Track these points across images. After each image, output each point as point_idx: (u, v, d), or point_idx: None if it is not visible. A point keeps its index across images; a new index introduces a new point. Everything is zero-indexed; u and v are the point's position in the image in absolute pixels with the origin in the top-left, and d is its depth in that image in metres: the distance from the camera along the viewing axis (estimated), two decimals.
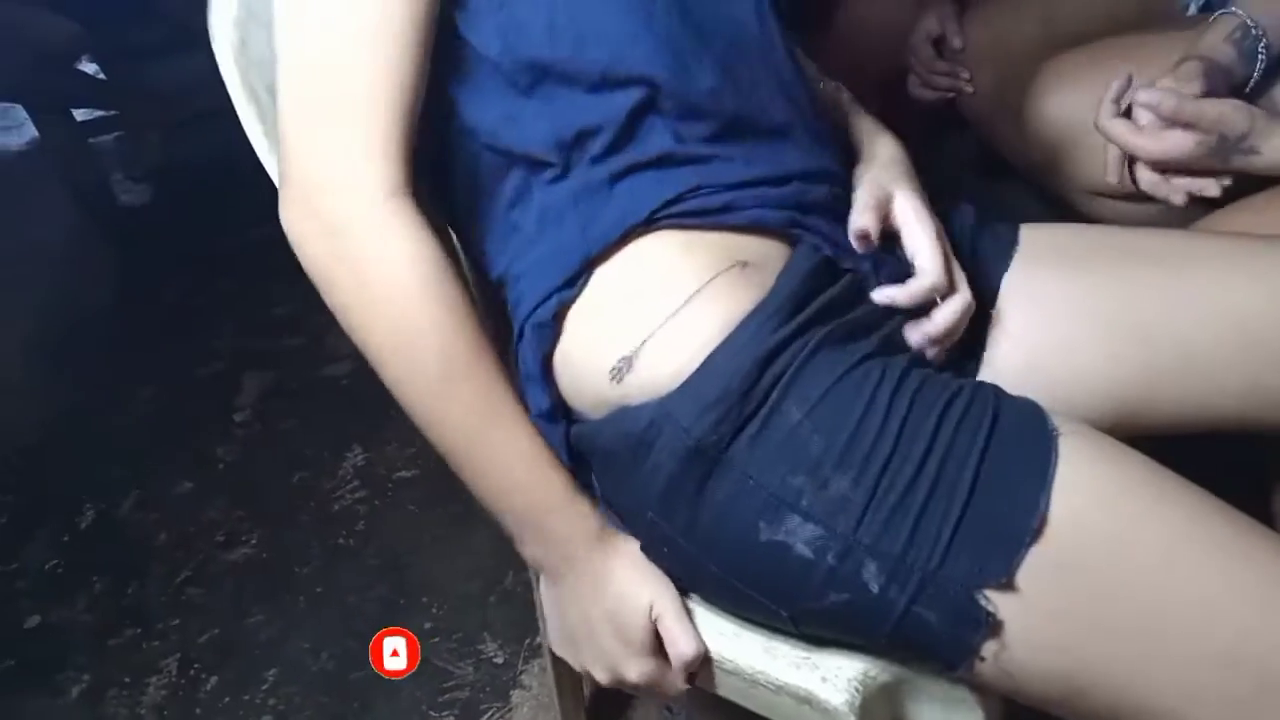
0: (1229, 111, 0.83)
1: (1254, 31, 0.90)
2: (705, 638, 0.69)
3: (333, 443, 1.65)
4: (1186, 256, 0.74)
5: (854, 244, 0.72)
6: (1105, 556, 0.58)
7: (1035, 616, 0.59)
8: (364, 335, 0.65)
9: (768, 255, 0.70)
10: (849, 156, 0.80)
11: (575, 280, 0.69)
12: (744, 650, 0.68)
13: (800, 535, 0.62)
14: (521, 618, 1.32)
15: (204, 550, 1.51)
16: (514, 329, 0.72)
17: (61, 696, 1.33)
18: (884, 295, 0.71)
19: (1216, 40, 0.90)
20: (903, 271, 0.73)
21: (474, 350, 0.65)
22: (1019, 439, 0.62)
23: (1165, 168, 0.87)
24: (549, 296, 0.69)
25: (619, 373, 0.66)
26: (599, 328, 0.68)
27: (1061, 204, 1.19)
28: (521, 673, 1.27)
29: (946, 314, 0.72)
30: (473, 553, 1.42)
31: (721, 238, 0.69)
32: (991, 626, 0.59)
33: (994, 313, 0.78)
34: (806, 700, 0.65)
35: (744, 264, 0.68)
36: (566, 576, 0.70)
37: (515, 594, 1.35)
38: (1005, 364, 0.77)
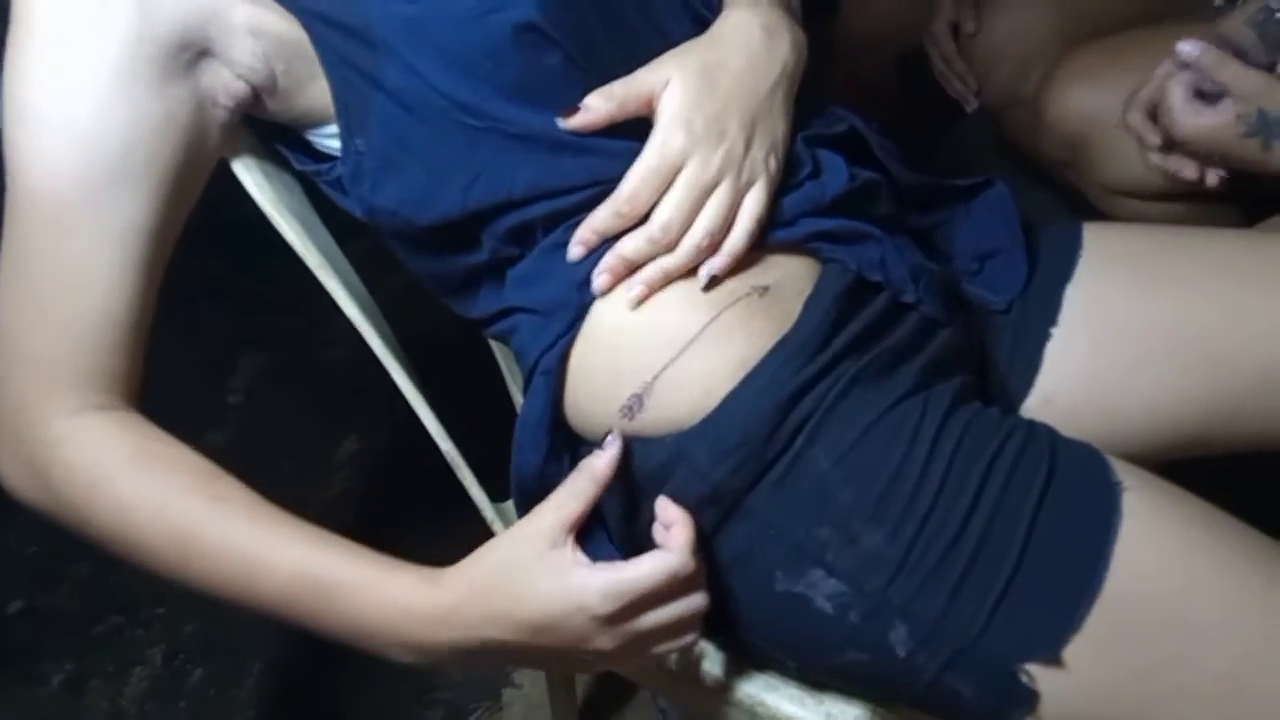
0: (1270, 84, 0.77)
1: (1277, 15, 0.84)
2: (700, 660, 0.65)
3: (327, 429, 1.62)
4: (1260, 263, 0.68)
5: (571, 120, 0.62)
6: (1167, 626, 0.54)
7: (1084, 692, 0.54)
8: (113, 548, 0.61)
9: (791, 275, 0.64)
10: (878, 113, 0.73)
11: (573, 324, 0.64)
12: (742, 677, 0.65)
13: (822, 589, 0.58)
14: None
15: None
16: (523, 377, 0.69)
17: (43, 685, 1.30)
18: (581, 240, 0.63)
19: (1236, 23, 0.85)
20: (945, 284, 0.67)
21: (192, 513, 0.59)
22: (1078, 495, 0.57)
23: (1201, 157, 0.81)
24: (551, 345, 0.65)
25: (630, 411, 0.62)
26: (607, 366, 0.63)
27: (1078, 199, 1.15)
28: (513, 670, 1.24)
29: (629, 245, 0.62)
30: (467, 547, 1.37)
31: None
32: (1031, 703, 0.55)
33: (1054, 331, 0.72)
34: None
35: (763, 289, 0.63)
36: (469, 641, 0.57)
37: None
38: (1060, 390, 0.71)
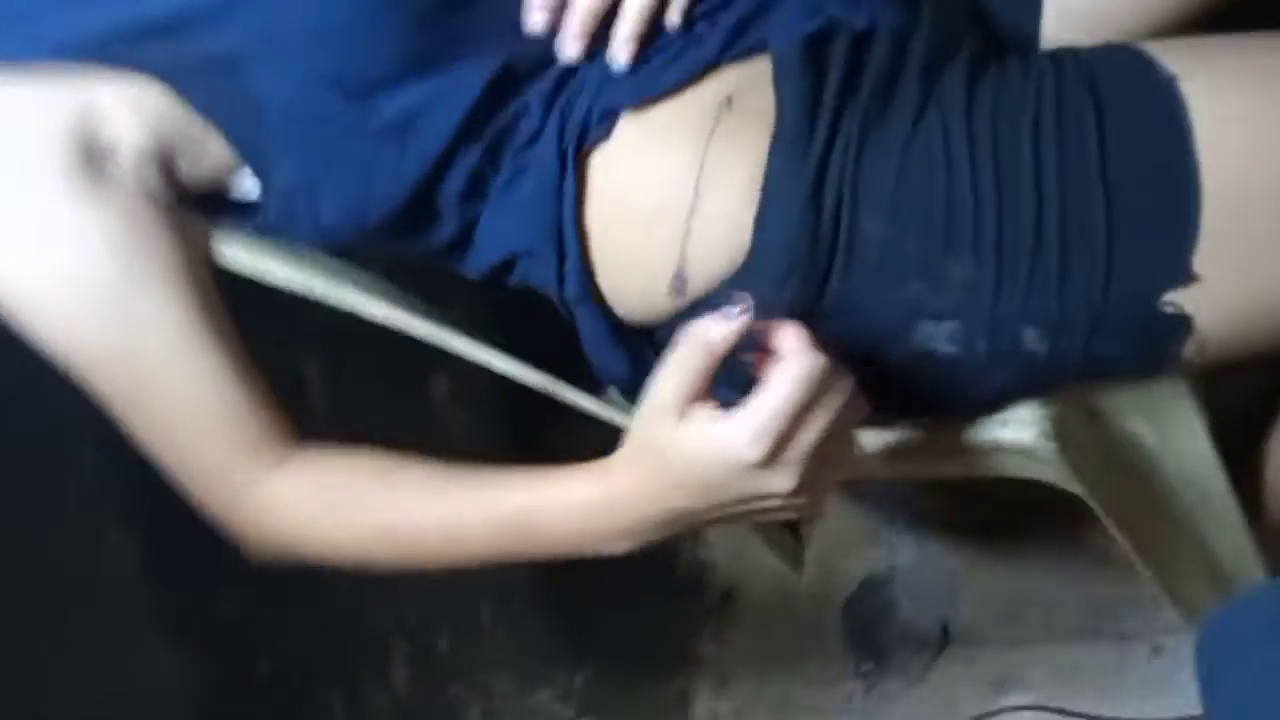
0: None
1: None
2: None
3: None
4: None
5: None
6: (1273, 183, 0.52)
7: (1229, 299, 0.54)
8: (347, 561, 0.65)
9: (742, 70, 0.61)
10: None
11: (561, 241, 0.63)
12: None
13: (938, 336, 0.57)
14: None
15: None
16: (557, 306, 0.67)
17: None
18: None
19: None
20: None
21: (395, 511, 0.62)
22: (1135, 112, 0.55)
23: None
24: (560, 274, 0.63)
25: (678, 289, 0.61)
26: (631, 260, 0.63)
27: None
28: None
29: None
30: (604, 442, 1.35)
31: (683, 91, 0.61)
32: (1185, 328, 0.54)
33: None
34: (995, 449, 0.62)
35: (727, 100, 0.60)
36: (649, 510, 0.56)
37: None
38: None
